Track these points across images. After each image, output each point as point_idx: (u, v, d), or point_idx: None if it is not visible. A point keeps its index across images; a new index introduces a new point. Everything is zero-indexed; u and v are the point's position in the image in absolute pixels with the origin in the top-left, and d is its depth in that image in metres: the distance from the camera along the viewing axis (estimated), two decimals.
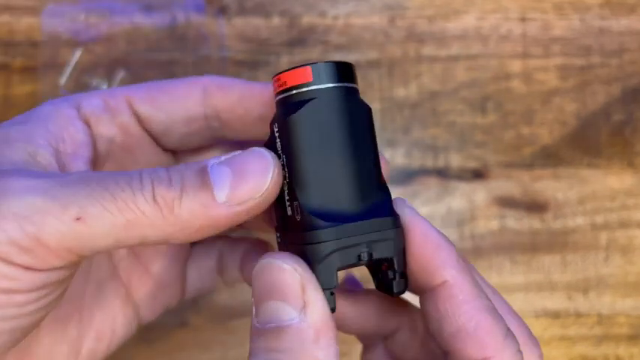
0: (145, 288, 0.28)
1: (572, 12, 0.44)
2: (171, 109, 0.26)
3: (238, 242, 0.31)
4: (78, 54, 0.41)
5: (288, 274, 0.20)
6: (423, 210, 0.41)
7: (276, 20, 0.42)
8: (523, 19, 0.43)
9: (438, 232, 0.22)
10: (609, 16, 0.44)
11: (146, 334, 0.39)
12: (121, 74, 0.41)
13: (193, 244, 0.31)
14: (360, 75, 0.42)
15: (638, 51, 0.43)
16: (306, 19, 0.43)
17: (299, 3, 0.43)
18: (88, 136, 0.24)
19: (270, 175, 0.21)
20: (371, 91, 0.42)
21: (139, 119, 0.26)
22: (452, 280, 0.22)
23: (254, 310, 0.20)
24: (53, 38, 0.41)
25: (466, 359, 0.21)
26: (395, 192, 0.41)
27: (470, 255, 0.41)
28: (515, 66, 0.43)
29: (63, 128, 0.24)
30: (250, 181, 0.21)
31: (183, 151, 0.29)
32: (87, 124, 0.25)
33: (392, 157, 0.42)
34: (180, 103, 0.26)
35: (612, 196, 0.42)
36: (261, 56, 0.42)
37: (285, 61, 0.42)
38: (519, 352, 0.21)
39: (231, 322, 0.40)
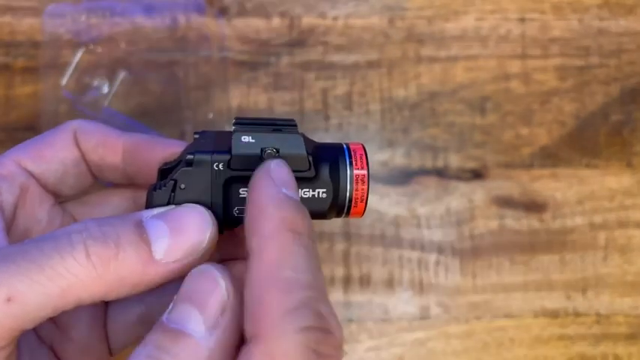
0: (70, 353, 0.27)
1: (571, 13, 0.44)
2: (56, 159, 0.26)
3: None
4: (79, 54, 0.41)
5: (219, 291, 0.20)
6: (423, 210, 0.41)
7: (276, 21, 0.43)
8: (522, 20, 0.44)
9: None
10: (608, 16, 0.44)
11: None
12: (122, 74, 0.41)
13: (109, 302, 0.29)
14: (359, 75, 0.43)
15: (637, 51, 0.44)
16: (306, 20, 0.43)
17: (299, 4, 0.43)
18: None
19: (209, 233, 0.21)
20: (370, 92, 0.42)
21: (34, 178, 0.26)
22: (255, 249, 0.20)
23: (171, 305, 0.20)
24: (54, 39, 0.41)
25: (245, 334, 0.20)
26: (394, 192, 0.41)
27: (469, 255, 0.41)
28: (514, 66, 0.43)
29: None
30: (188, 239, 0.21)
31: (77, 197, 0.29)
32: None
33: (391, 157, 0.42)
34: (59, 151, 0.26)
35: (611, 196, 0.42)
36: (262, 57, 0.42)
37: (285, 61, 0.42)
38: (304, 330, 0.19)
39: None
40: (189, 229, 0.21)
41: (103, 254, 0.19)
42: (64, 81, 0.41)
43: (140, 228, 0.20)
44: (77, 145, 0.27)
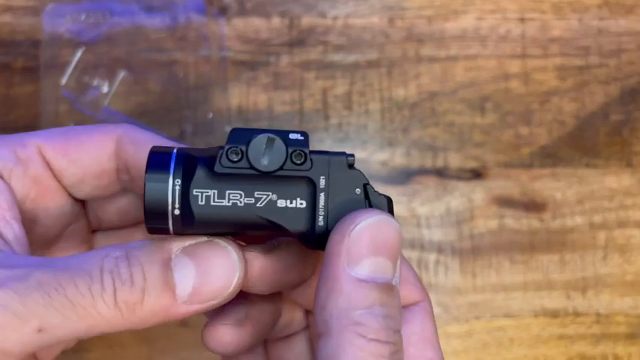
0: None
1: (571, 12, 0.44)
2: (84, 163, 0.25)
3: None
4: (79, 54, 0.41)
5: (399, 237, 0.20)
6: (423, 210, 0.41)
7: (276, 21, 0.43)
8: (522, 20, 0.44)
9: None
10: (608, 16, 0.44)
11: (146, 333, 0.39)
12: (121, 74, 0.41)
13: None
14: (359, 75, 0.43)
15: (637, 51, 0.44)
16: (306, 20, 0.43)
17: (299, 3, 0.43)
18: (9, 195, 0.23)
19: (236, 279, 0.21)
20: (370, 91, 0.42)
21: (52, 171, 0.25)
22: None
23: (355, 260, 0.19)
24: (54, 38, 0.41)
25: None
26: (394, 192, 0.41)
27: (469, 254, 0.41)
28: (514, 66, 0.43)
29: None
30: (215, 284, 0.20)
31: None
32: (0, 177, 0.23)
33: (391, 157, 0.42)
34: (93, 156, 0.25)
35: (610, 195, 0.42)
36: (262, 56, 0.42)
37: (285, 61, 0.42)
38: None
39: None
40: (217, 273, 0.20)
41: (129, 300, 0.19)
42: (63, 80, 0.41)
43: (167, 270, 0.20)
44: (118, 154, 0.25)
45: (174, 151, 0.21)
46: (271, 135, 0.20)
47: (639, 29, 0.44)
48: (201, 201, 0.20)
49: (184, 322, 0.39)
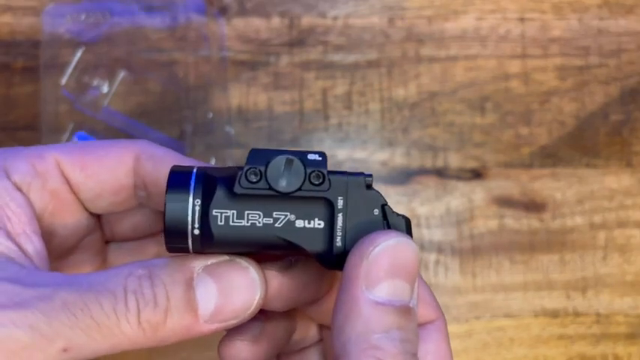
0: None
1: (571, 12, 0.44)
2: (102, 178, 0.24)
3: None
4: (79, 54, 0.41)
5: (417, 259, 0.20)
6: (423, 210, 0.41)
7: (276, 21, 0.43)
8: (522, 20, 0.44)
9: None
10: (608, 16, 0.44)
11: None
12: (121, 74, 0.41)
13: None
14: (359, 75, 0.43)
15: (636, 51, 0.44)
16: (306, 20, 0.43)
17: (299, 3, 0.43)
18: (29, 209, 0.23)
19: (257, 299, 0.21)
20: (370, 91, 0.42)
21: (69, 185, 0.24)
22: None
23: (373, 283, 0.19)
24: (54, 38, 0.41)
25: None
26: (394, 192, 0.41)
27: (469, 254, 0.41)
28: (514, 66, 0.43)
29: (3, 206, 0.22)
30: (236, 303, 0.21)
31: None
32: (19, 191, 0.23)
33: (391, 157, 0.42)
34: (111, 172, 0.24)
35: (610, 195, 0.42)
36: (261, 56, 0.42)
37: (285, 61, 0.42)
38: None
39: None
40: (238, 293, 0.21)
41: (152, 320, 0.20)
42: (63, 80, 0.41)
43: (190, 290, 0.20)
44: (135, 170, 0.24)
45: (195, 170, 0.21)
46: (290, 156, 0.20)
47: (639, 29, 0.44)
48: (221, 221, 0.21)
49: None
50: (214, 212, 0.20)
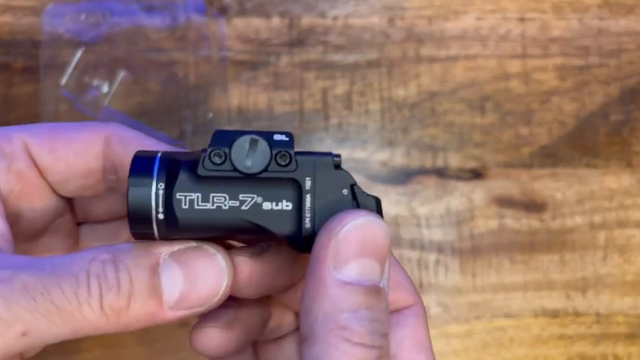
0: None
1: (571, 12, 0.44)
2: (70, 161, 0.24)
3: None
4: (79, 54, 0.41)
5: (387, 239, 0.19)
6: (423, 210, 0.41)
7: (276, 21, 0.43)
8: (522, 20, 0.44)
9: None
10: (608, 16, 0.44)
11: (146, 334, 0.39)
12: (121, 74, 0.41)
13: None
14: (359, 75, 0.43)
15: (637, 51, 0.44)
16: (306, 20, 0.43)
17: (299, 3, 0.43)
18: None
19: (224, 287, 0.20)
20: (370, 91, 0.42)
21: (37, 168, 0.24)
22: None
23: (341, 263, 0.19)
24: (54, 38, 0.41)
25: None
26: (394, 192, 0.41)
27: (469, 254, 0.41)
28: (514, 66, 0.43)
29: None
30: (202, 290, 0.20)
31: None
32: None
33: (391, 157, 0.42)
34: (80, 155, 0.24)
35: (610, 195, 0.42)
36: (261, 57, 0.42)
37: (285, 61, 0.42)
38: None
39: None
40: (205, 280, 0.20)
41: (115, 305, 0.19)
42: (63, 80, 0.41)
43: (155, 276, 0.20)
44: (105, 154, 0.24)
45: (158, 155, 0.21)
46: (254, 136, 0.20)
47: (639, 29, 0.44)
48: (185, 205, 0.20)
49: (184, 323, 0.39)
50: (178, 195, 0.20)
